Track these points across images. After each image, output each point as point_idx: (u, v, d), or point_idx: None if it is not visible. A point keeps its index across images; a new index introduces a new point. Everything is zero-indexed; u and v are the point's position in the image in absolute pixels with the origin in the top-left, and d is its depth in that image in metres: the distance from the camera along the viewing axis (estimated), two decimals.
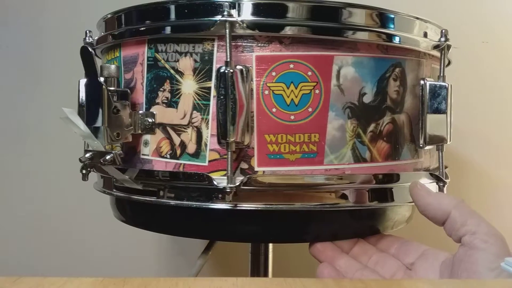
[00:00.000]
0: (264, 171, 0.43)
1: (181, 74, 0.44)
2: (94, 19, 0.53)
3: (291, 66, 0.42)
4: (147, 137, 0.46)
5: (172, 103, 0.45)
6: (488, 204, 0.84)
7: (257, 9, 0.42)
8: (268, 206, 0.43)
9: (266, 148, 0.42)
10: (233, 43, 0.42)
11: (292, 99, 0.42)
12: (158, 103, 0.45)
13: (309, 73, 0.42)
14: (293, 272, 0.79)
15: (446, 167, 0.56)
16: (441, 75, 0.48)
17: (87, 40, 0.53)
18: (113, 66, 0.45)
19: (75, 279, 0.31)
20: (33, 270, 0.83)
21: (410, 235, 0.49)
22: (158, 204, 0.46)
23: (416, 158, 0.48)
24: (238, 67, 0.42)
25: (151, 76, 0.46)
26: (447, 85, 0.47)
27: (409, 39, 0.46)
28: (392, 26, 0.45)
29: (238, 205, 0.42)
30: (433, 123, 0.48)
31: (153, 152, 0.46)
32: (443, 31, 0.48)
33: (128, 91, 0.47)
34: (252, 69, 0.42)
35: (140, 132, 0.46)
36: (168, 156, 0.45)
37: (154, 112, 0.46)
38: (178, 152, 0.44)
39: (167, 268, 0.81)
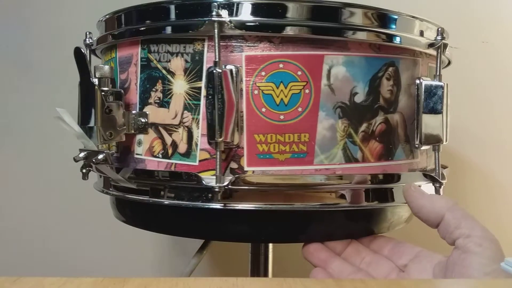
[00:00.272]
0: (253, 171, 0.43)
1: (172, 74, 0.44)
2: (89, 19, 0.54)
3: (281, 65, 0.42)
4: (140, 136, 0.47)
5: (164, 103, 0.45)
6: (487, 204, 0.83)
7: (246, 9, 0.42)
8: (258, 206, 0.42)
9: (256, 148, 0.42)
10: (223, 43, 0.42)
11: (281, 99, 0.42)
12: (150, 103, 0.46)
13: (299, 73, 0.42)
14: (293, 272, 0.78)
15: (445, 168, 0.56)
16: (438, 74, 0.47)
17: (87, 42, 0.54)
18: (106, 67, 0.46)
19: (75, 279, 0.31)
20: (33, 270, 0.84)
21: (404, 236, 0.48)
22: (150, 203, 0.46)
23: (411, 159, 0.48)
24: (228, 67, 0.42)
25: (144, 76, 0.46)
26: (443, 84, 0.47)
27: (402, 38, 0.45)
28: (384, 25, 0.44)
29: (227, 205, 0.42)
30: (429, 123, 0.47)
31: (146, 151, 0.46)
32: (439, 29, 0.47)
33: (122, 91, 0.47)
34: (242, 69, 0.42)
35: (133, 132, 0.46)
36: (160, 155, 0.45)
37: (147, 112, 0.46)
38: (170, 151, 0.45)
39: (167, 268, 0.82)
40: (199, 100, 0.43)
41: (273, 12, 0.42)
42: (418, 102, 0.47)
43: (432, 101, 0.47)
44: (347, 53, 0.43)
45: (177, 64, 0.44)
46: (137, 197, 0.47)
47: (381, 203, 0.46)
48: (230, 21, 0.41)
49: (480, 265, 0.37)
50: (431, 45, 0.47)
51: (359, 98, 0.44)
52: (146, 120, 0.46)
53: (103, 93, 0.45)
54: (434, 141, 0.47)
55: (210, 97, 0.41)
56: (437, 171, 0.48)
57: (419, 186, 0.48)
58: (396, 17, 0.45)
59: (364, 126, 0.44)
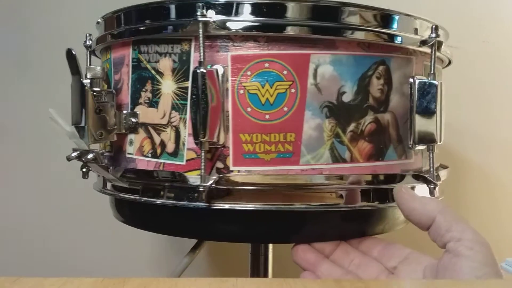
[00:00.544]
0: (239, 171, 0.43)
1: (161, 74, 0.45)
2: (89, 19, 0.55)
3: (266, 65, 0.42)
4: (131, 136, 0.47)
5: (153, 103, 0.45)
6: (488, 204, 0.82)
7: (231, 9, 0.42)
8: (245, 206, 0.42)
9: (241, 147, 0.42)
10: (209, 43, 0.42)
11: (267, 98, 0.42)
12: (141, 103, 0.46)
13: (285, 72, 0.42)
14: (293, 272, 0.78)
15: (446, 168, 0.55)
16: (432, 72, 0.46)
17: (87, 43, 0.55)
18: (98, 68, 0.47)
19: (75, 279, 0.32)
20: (33, 270, 0.84)
21: (398, 237, 0.47)
22: (143, 202, 0.47)
23: (403, 159, 0.47)
24: (215, 66, 0.42)
25: (135, 77, 0.47)
26: (436, 83, 0.46)
27: (392, 36, 0.44)
28: (373, 23, 0.44)
29: (212, 204, 0.42)
30: (422, 123, 0.46)
31: (136, 151, 0.47)
32: (433, 26, 0.46)
33: (114, 91, 0.48)
34: (228, 68, 0.42)
35: (124, 131, 0.47)
36: (150, 155, 0.46)
37: (138, 112, 0.47)
38: (158, 151, 0.45)
39: (167, 268, 0.82)
40: (186, 100, 0.43)
41: (259, 11, 0.41)
42: (412, 101, 0.46)
43: (426, 100, 0.46)
44: (334, 52, 0.43)
45: (165, 64, 0.44)
46: (129, 196, 0.48)
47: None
48: (214, 21, 0.41)
49: (471, 269, 0.37)
50: (423, 43, 0.46)
51: (347, 98, 0.43)
52: (137, 120, 0.47)
53: (94, 93, 0.46)
54: (428, 141, 0.46)
55: (194, 97, 0.41)
56: (432, 172, 0.47)
57: (413, 187, 0.47)
58: (386, 15, 0.44)
59: (352, 126, 0.44)
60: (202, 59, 0.41)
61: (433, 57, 0.46)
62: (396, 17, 0.45)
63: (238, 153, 0.42)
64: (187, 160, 0.44)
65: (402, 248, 0.44)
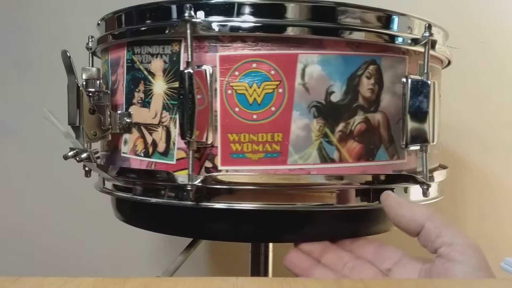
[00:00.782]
0: (227, 170, 0.43)
1: (153, 75, 0.45)
2: (89, 19, 0.56)
3: (254, 65, 0.42)
4: (126, 136, 0.48)
5: (145, 103, 0.46)
6: (488, 204, 0.81)
7: (218, 10, 0.42)
8: (232, 205, 0.43)
9: (229, 147, 0.43)
10: (199, 44, 0.43)
11: (254, 98, 0.42)
12: (134, 103, 0.47)
13: (272, 72, 0.42)
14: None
15: (445, 168, 0.54)
16: (425, 71, 0.45)
17: (89, 45, 0.56)
18: (93, 69, 0.48)
19: (75, 279, 0.32)
20: (33, 270, 0.85)
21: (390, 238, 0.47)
22: (137, 201, 0.48)
23: (395, 159, 0.46)
24: (204, 67, 0.42)
25: (129, 77, 0.48)
26: (429, 82, 0.45)
27: (383, 35, 0.44)
28: (363, 22, 0.43)
29: (200, 203, 0.43)
30: (415, 123, 0.45)
31: (130, 150, 0.48)
32: (427, 25, 0.45)
33: (109, 92, 0.49)
34: (217, 69, 0.43)
35: (118, 131, 0.48)
36: (142, 154, 0.47)
37: (131, 112, 0.47)
38: (150, 150, 0.46)
39: (168, 267, 0.83)
40: (176, 100, 0.44)
41: (245, 12, 0.42)
42: (404, 101, 0.46)
43: (418, 100, 0.45)
44: (322, 52, 0.43)
45: (157, 65, 0.45)
46: (124, 195, 0.49)
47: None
48: (201, 22, 0.41)
49: (465, 273, 0.36)
50: (415, 42, 0.45)
51: (335, 97, 0.43)
52: (131, 120, 0.47)
53: (90, 94, 0.47)
54: (421, 141, 0.46)
55: (181, 97, 0.41)
56: (425, 173, 0.46)
57: (406, 188, 0.47)
58: (376, 14, 0.44)
59: (341, 126, 0.43)
60: (189, 60, 0.41)
61: (426, 56, 0.45)
62: (387, 16, 0.45)
63: (226, 153, 0.43)
64: (177, 160, 0.44)
65: (395, 250, 0.44)
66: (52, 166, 0.82)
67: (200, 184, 0.42)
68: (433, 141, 0.46)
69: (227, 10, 0.42)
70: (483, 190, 0.82)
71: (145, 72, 0.46)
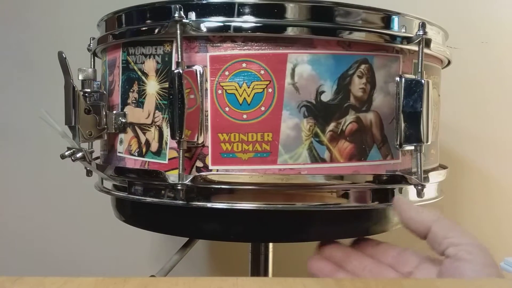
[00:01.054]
0: (218, 170, 0.43)
1: (146, 75, 0.46)
2: (89, 19, 0.57)
3: (244, 65, 0.42)
4: (121, 135, 0.49)
5: (139, 103, 0.47)
6: (486, 204, 0.81)
7: (208, 10, 0.42)
8: (222, 205, 0.43)
9: (220, 147, 0.43)
10: (190, 44, 0.43)
11: (244, 98, 0.42)
12: (129, 103, 0.48)
13: (262, 72, 0.42)
14: (293, 272, 0.77)
15: (445, 168, 0.53)
16: (419, 71, 0.45)
17: (90, 46, 0.57)
18: (90, 70, 0.48)
19: (75, 278, 0.32)
20: (33, 270, 0.85)
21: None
22: (132, 200, 0.48)
23: (389, 159, 0.46)
24: (195, 67, 0.43)
25: (124, 78, 0.48)
26: (423, 81, 0.44)
27: (374, 34, 0.43)
28: (355, 22, 0.43)
29: (191, 203, 0.43)
30: (408, 122, 0.45)
31: (125, 150, 0.48)
32: (421, 23, 0.45)
33: (105, 92, 0.50)
34: (207, 69, 0.43)
35: (114, 131, 0.49)
36: (136, 154, 0.47)
37: (126, 112, 0.48)
38: (144, 150, 0.46)
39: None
40: (167, 100, 0.44)
41: (235, 12, 0.42)
42: (398, 100, 0.45)
43: (412, 99, 0.45)
44: (312, 51, 0.42)
45: (150, 65, 0.46)
46: (120, 194, 0.50)
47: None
48: (190, 23, 0.42)
49: (473, 272, 0.37)
50: (409, 40, 0.44)
51: (326, 97, 0.43)
52: (126, 120, 0.48)
53: (86, 94, 0.48)
54: (415, 141, 0.45)
55: (171, 97, 0.42)
56: (419, 173, 0.45)
57: (401, 189, 0.47)
58: (368, 12, 0.44)
59: (332, 126, 0.43)
60: (179, 60, 0.42)
61: (420, 54, 0.45)
62: (380, 15, 0.44)
63: (217, 152, 0.43)
64: (169, 159, 0.45)
65: (416, 254, 0.44)
66: (52, 166, 0.82)
67: (190, 184, 0.42)
68: (427, 141, 0.45)
69: (217, 11, 0.42)
70: (481, 190, 0.81)
71: (139, 73, 0.47)
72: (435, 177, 0.49)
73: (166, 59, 0.44)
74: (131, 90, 0.47)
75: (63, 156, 0.49)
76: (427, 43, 0.46)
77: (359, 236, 0.48)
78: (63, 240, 0.85)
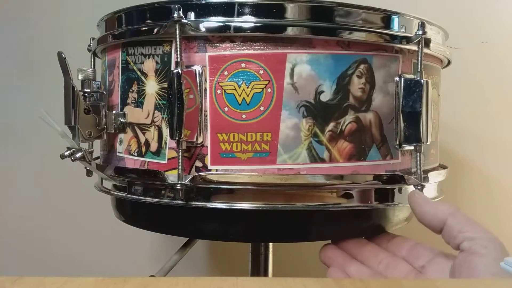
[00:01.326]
0: (217, 170, 0.43)
1: (145, 75, 0.46)
2: (89, 19, 0.57)
3: (243, 65, 0.42)
4: (121, 136, 0.49)
5: (138, 103, 0.47)
6: (486, 204, 0.81)
7: (206, 10, 0.42)
8: (221, 205, 0.43)
9: (219, 146, 0.43)
10: (189, 44, 0.43)
11: (243, 98, 0.42)
12: (128, 104, 0.48)
13: (261, 72, 0.42)
14: (293, 272, 0.77)
15: (445, 168, 0.53)
16: (419, 70, 0.45)
17: (90, 46, 0.57)
18: (89, 70, 0.48)
19: (75, 278, 0.32)
20: (33, 270, 0.85)
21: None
22: (132, 200, 0.48)
23: (388, 159, 0.46)
24: (194, 67, 0.43)
25: (124, 78, 0.48)
26: (423, 81, 0.44)
27: (374, 34, 0.43)
28: (355, 21, 0.43)
29: (190, 203, 0.43)
30: (408, 122, 0.45)
31: (125, 150, 0.48)
32: (420, 23, 0.45)
33: (104, 92, 0.50)
34: (206, 69, 0.43)
35: (113, 131, 0.49)
36: (136, 154, 0.47)
37: (126, 112, 0.48)
38: (143, 150, 0.46)
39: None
40: (166, 100, 0.44)
41: (234, 12, 0.42)
42: (397, 100, 0.45)
43: (411, 99, 0.45)
44: (311, 51, 0.42)
45: (149, 65, 0.46)
46: (119, 194, 0.50)
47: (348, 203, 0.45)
48: (189, 23, 0.42)
49: (486, 266, 0.37)
50: (408, 40, 0.44)
51: (325, 97, 0.43)
52: (125, 120, 0.48)
53: (85, 94, 0.48)
54: (414, 141, 0.45)
55: (170, 97, 0.42)
56: (418, 173, 0.45)
57: (400, 188, 0.47)
58: (367, 12, 0.44)
59: (331, 126, 0.43)
60: (179, 60, 0.42)
61: (419, 54, 0.45)
62: (380, 15, 0.44)
63: (216, 152, 0.43)
64: (168, 159, 0.45)
65: (430, 248, 0.44)
66: (52, 166, 0.82)
67: (189, 184, 0.42)
68: (426, 141, 0.45)
69: (216, 11, 0.42)
70: (481, 190, 0.81)
71: (138, 73, 0.47)
72: (435, 177, 0.49)
73: (165, 59, 0.44)
74: (131, 90, 0.47)
75: (62, 156, 0.49)
76: (427, 43, 0.46)
77: (359, 237, 0.48)
78: (63, 240, 0.85)
